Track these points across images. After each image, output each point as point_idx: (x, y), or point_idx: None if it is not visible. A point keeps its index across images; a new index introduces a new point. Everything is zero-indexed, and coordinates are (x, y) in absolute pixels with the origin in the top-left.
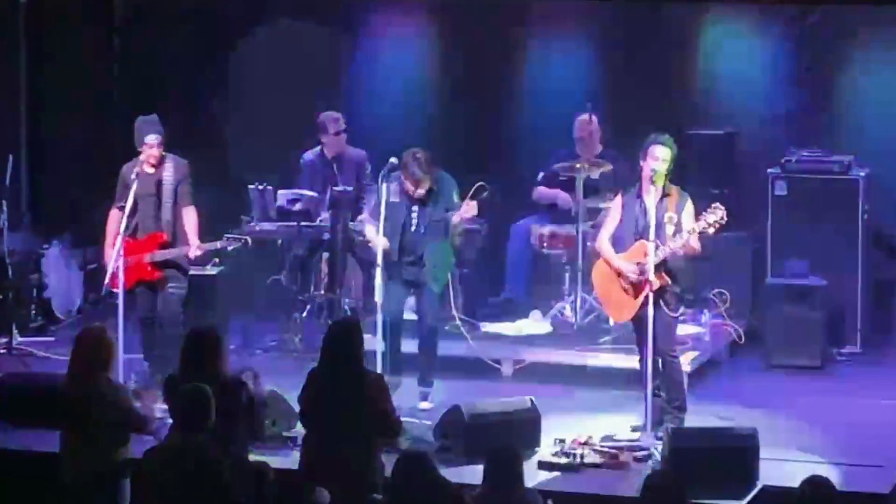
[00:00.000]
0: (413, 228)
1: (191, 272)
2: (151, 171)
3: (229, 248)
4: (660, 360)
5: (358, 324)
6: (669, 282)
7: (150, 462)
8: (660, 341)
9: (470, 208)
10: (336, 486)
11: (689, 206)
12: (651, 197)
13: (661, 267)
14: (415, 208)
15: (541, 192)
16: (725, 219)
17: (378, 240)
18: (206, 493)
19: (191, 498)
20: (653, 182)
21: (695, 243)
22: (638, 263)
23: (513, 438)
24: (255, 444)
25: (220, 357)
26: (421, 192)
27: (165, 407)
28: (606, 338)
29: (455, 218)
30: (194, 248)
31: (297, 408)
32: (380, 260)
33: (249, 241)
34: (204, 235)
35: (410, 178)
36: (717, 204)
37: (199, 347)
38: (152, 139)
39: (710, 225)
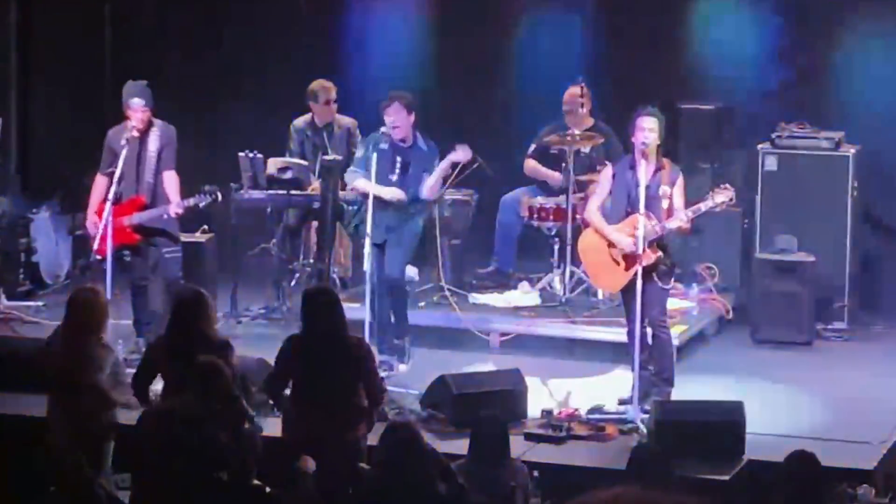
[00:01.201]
0: (394, 179)
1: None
2: (137, 135)
3: (202, 205)
4: (649, 332)
5: (330, 288)
6: (661, 255)
7: (145, 427)
8: (651, 312)
9: (460, 153)
10: (317, 453)
11: (680, 181)
12: (643, 169)
13: (656, 241)
14: (398, 158)
15: (532, 167)
16: (734, 200)
17: (371, 187)
18: (202, 464)
19: (186, 466)
20: (644, 155)
21: (687, 223)
22: (630, 237)
23: (499, 410)
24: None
25: (207, 319)
26: (399, 134)
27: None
28: (594, 310)
29: (428, 183)
30: (174, 206)
31: None
32: (369, 229)
33: (220, 196)
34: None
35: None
36: (726, 185)
37: (186, 310)
38: (136, 103)
39: (717, 205)
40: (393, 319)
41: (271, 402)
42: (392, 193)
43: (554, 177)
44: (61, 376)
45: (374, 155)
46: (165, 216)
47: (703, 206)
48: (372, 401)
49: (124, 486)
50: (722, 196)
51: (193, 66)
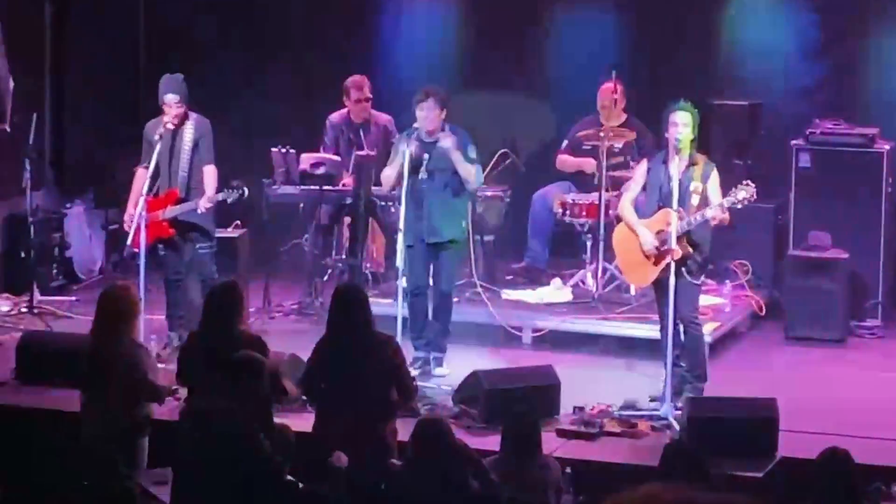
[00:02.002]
0: (420, 176)
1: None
2: (173, 128)
3: (229, 200)
4: (681, 329)
5: (360, 286)
6: (691, 251)
7: (186, 423)
8: (683, 308)
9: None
10: (349, 449)
11: (714, 176)
12: (675, 165)
13: (684, 236)
14: (426, 155)
15: (564, 160)
16: (755, 196)
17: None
18: (244, 461)
19: (227, 464)
20: (678, 150)
21: (725, 214)
22: (660, 232)
23: (531, 406)
24: (274, 406)
25: (238, 313)
26: (429, 126)
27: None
28: (627, 307)
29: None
30: (203, 201)
31: None
32: (402, 224)
33: (246, 191)
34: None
35: (424, 103)
36: (748, 181)
37: (219, 305)
38: (170, 98)
39: (738, 201)
40: (438, 328)
41: (305, 398)
42: (446, 142)
43: (588, 162)
44: (94, 370)
45: (408, 152)
46: (199, 211)
47: (725, 203)
48: (403, 396)
49: (160, 481)
50: (743, 192)
51: (227, 59)
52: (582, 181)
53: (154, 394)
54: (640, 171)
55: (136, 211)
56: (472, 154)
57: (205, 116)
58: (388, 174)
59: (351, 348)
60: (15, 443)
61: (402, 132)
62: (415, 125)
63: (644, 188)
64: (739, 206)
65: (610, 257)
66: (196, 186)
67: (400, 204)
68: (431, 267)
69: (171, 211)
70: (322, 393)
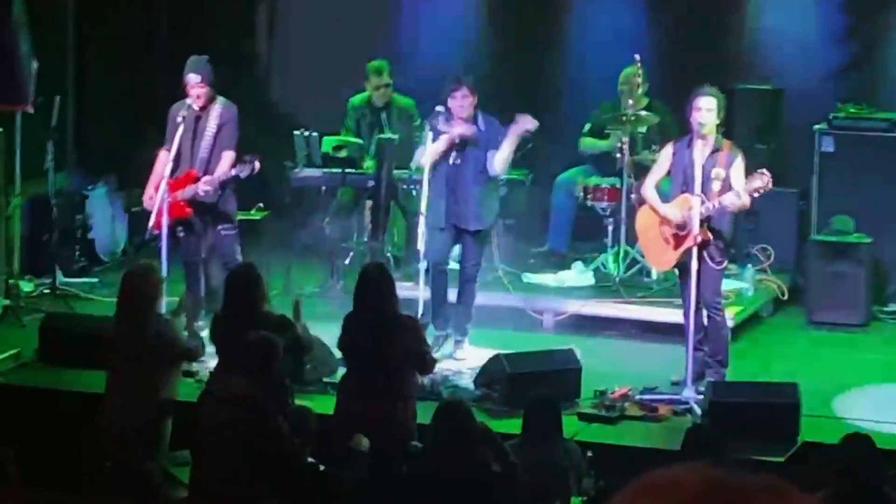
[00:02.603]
0: (451, 161)
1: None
2: (197, 110)
3: (242, 175)
4: (704, 313)
5: (385, 266)
6: (711, 237)
7: (205, 406)
8: (705, 293)
9: (524, 122)
10: (370, 432)
11: (738, 163)
12: (699, 150)
13: (704, 222)
14: (458, 139)
15: (587, 143)
16: (770, 185)
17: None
18: (261, 443)
19: (245, 445)
20: (702, 135)
21: (742, 201)
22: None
23: (553, 390)
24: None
25: (261, 295)
26: (462, 113)
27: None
28: (648, 291)
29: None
30: (201, 184)
31: (337, 354)
32: (423, 208)
33: (258, 165)
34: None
35: (455, 90)
36: (764, 170)
37: (240, 287)
38: (192, 78)
39: (754, 190)
40: (461, 312)
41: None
42: (461, 130)
43: (609, 145)
44: (118, 352)
45: (430, 136)
46: (200, 193)
47: (740, 191)
48: (421, 371)
49: (181, 463)
50: (758, 182)
51: (249, 40)
52: (604, 165)
53: (188, 353)
54: (664, 154)
55: (157, 193)
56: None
57: (226, 97)
58: (424, 157)
59: (373, 328)
60: (36, 424)
61: (435, 114)
62: (437, 107)
63: (668, 172)
64: (755, 196)
65: (632, 241)
66: (214, 170)
67: (422, 188)
68: (456, 249)
69: (188, 191)
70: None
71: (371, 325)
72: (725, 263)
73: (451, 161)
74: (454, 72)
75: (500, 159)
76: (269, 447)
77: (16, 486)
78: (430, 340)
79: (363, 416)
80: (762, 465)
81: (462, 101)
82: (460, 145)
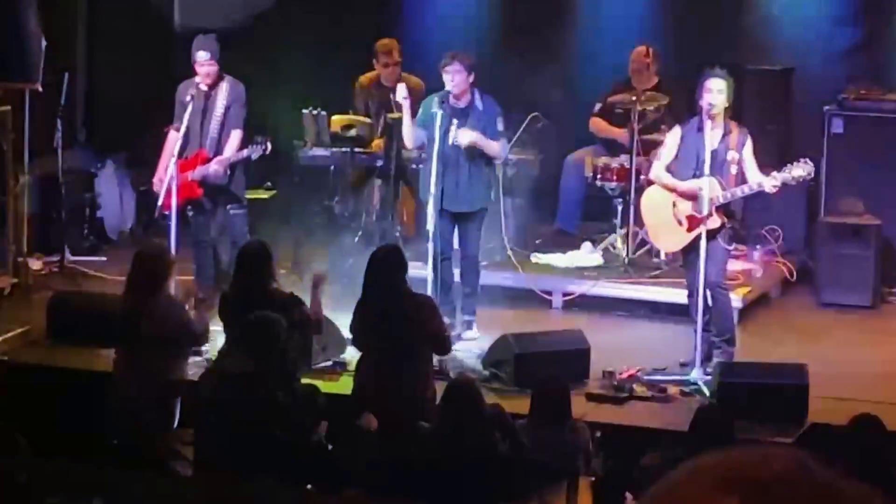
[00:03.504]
0: (450, 142)
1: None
2: (206, 89)
3: (253, 156)
4: (709, 294)
5: (398, 248)
6: (726, 220)
7: (208, 383)
8: (711, 274)
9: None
10: (390, 413)
11: (749, 144)
12: (709, 132)
13: (723, 206)
14: (455, 121)
15: (598, 123)
16: (812, 174)
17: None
18: (264, 421)
19: (248, 423)
20: (711, 117)
21: (769, 187)
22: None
23: (561, 370)
24: (304, 367)
25: (270, 272)
26: (457, 90)
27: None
28: (657, 271)
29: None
30: (213, 164)
31: (346, 333)
32: (433, 188)
33: (269, 146)
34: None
35: (449, 66)
36: (807, 160)
37: (250, 265)
38: (201, 56)
39: (794, 178)
40: (467, 292)
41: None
42: (465, 138)
43: (621, 134)
44: (127, 330)
45: (439, 114)
46: (211, 173)
47: (779, 178)
48: (439, 351)
49: (189, 441)
50: (799, 170)
51: (259, 18)
52: (613, 145)
53: (198, 336)
54: (672, 138)
55: (166, 172)
56: (500, 126)
57: (236, 76)
58: (413, 132)
59: (387, 310)
60: (45, 401)
61: (434, 94)
62: (435, 96)
63: (677, 156)
64: (793, 183)
65: (641, 222)
66: (224, 150)
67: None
68: (456, 231)
69: (199, 171)
70: (364, 351)
71: (383, 307)
72: (734, 245)
73: (448, 142)
74: (464, 51)
75: (490, 154)
76: (271, 425)
77: (27, 456)
78: None
79: (381, 398)
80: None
81: (455, 77)
82: (459, 128)
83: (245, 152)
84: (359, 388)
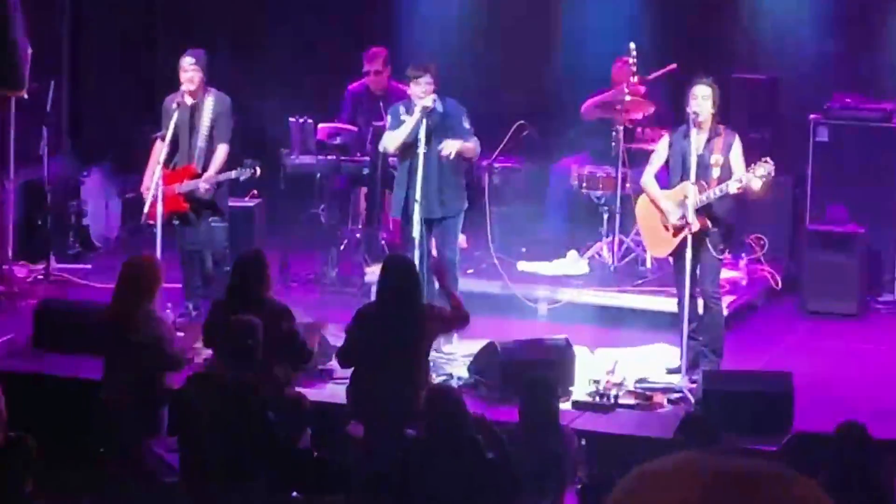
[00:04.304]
0: (419, 149)
1: (229, 203)
2: (191, 101)
3: (241, 178)
4: (701, 302)
5: (408, 258)
6: (710, 225)
7: (192, 390)
8: (705, 283)
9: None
10: (383, 422)
11: (736, 145)
12: (695, 138)
13: (704, 210)
14: (421, 127)
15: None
16: (773, 173)
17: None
18: (248, 428)
19: (232, 430)
20: (698, 123)
21: (754, 185)
22: (680, 204)
23: (548, 377)
24: (294, 374)
25: (264, 282)
26: (422, 95)
27: (204, 350)
28: (643, 279)
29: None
30: (203, 182)
31: (332, 341)
32: (418, 195)
33: (258, 170)
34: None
35: (418, 76)
36: (767, 158)
37: (246, 273)
38: (186, 61)
39: (757, 177)
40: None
41: (340, 363)
42: (450, 148)
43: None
44: (114, 339)
45: (422, 123)
46: (200, 191)
47: (743, 179)
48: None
49: (175, 449)
50: (762, 170)
51: (245, 28)
52: (599, 154)
53: (174, 363)
54: (661, 144)
55: (152, 182)
56: (467, 125)
57: (222, 84)
58: (394, 137)
59: (400, 320)
60: (31, 409)
61: (398, 104)
62: (400, 105)
63: (666, 162)
64: (759, 182)
65: (626, 230)
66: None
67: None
68: (433, 237)
69: (186, 185)
70: (360, 362)
71: (398, 319)
72: (727, 253)
73: (417, 150)
74: (448, 62)
75: (469, 155)
76: (256, 431)
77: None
78: None
79: (378, 407)
80: (756, 454)
81: (427, 88)
82: (428, 136)
83: (233, 174)
84: (354, 398)
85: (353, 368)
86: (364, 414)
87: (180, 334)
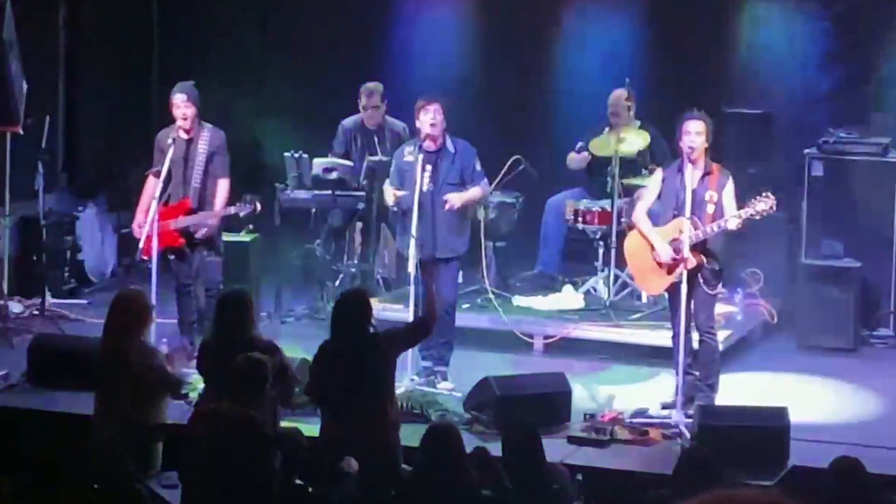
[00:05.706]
0: (425, 188)
1: (224, 239)
2: (186, 137)
3: (241, 214)
4: (694, 337)
5: (362, 291)
6: (705, 260)
7: (198, 426)
8: (699, 317)
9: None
10: (357, 455)
11: (729, 186)
12: (690, 174)
13: (699, 246)
14: (428, 167)
15: (573, 157)
16: (774, 208)
17: (388, 190)
18: (252, 464)
19: (237, 466)
20: (691, 158)
21: (733, 225)
22: (674, 240)
23: (543, 413)
24: (284, 410)
25: (249, 320)
26: (435, 132)
27: (195, 370)
28: (638, 314)
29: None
30: (214, 217)
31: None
32: (414, 231)
33: (258, 206)
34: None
35: (430, 107)
36: (768, 193)
37: (230, 311)
38: (178, 98)
39: (757, 213)
40: (443, 340)
41: (315, 404)
42: (456, 200)
43: (579, 158)
44: (105, 375)
45: (420, 158)
46: (202, 232)
47: (743, 214)
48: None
49: (170, 485)
50: (762, 205)
51: (240, 64)
52: (594, 188)
53: (172, 386)
54: (654, 179)
55: (146, 218)
56: (478, 167)
57: (218, 120)
58: (390, 190)
59: (351, 353)
60: (25, 444)
61: (403, 145)
62: (406, 147)
63: (659, 197)
64: (758, 218)
65: (622, 264)
66: (209, 199)
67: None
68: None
69: (182, 221)
70: (326, 397)
71: (349, 350)
72: (720, 288)
73: (423, 188)
74: (444, 94)
75: (480, 201)
76: (260, 467)
77: None
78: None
79: (348, 438)
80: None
81: (435, 116)
82: (434, 174)
83: (232, 210)
84: (327, 430)
85: (321, 404)
86: (335, 445)
87: (169, 368)
